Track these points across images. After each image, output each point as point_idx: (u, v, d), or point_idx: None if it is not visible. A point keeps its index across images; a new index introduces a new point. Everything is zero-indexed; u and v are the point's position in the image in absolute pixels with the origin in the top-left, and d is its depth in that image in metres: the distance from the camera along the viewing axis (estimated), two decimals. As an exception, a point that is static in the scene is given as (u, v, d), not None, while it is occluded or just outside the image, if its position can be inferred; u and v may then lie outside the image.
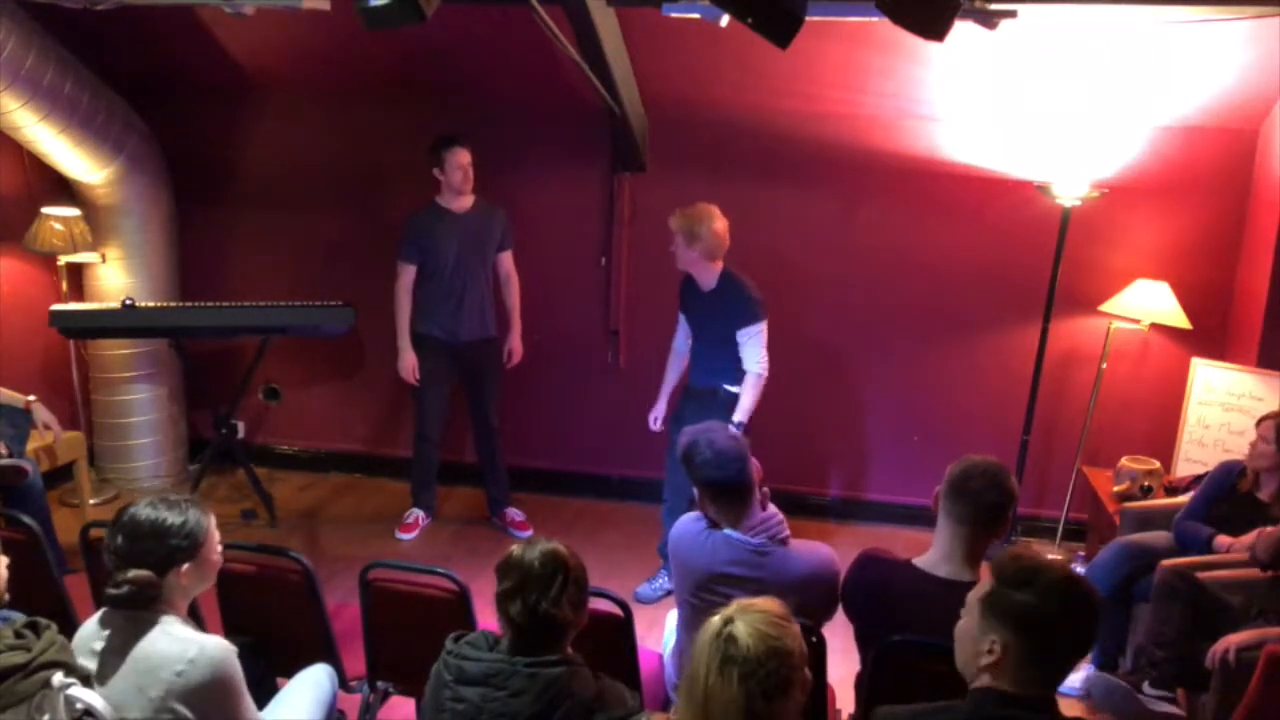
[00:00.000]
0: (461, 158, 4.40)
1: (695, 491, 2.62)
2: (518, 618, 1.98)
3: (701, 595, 2.53)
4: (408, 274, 4.53)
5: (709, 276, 3.96)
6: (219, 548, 2.25)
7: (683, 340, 4.24)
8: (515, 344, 4.76)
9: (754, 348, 3.90)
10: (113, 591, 2.06)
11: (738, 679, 1.62)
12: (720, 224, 3.90)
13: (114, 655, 2.06)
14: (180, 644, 2.05)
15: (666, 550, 4.13)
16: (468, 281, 4.53)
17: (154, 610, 2.09)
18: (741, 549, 2.51)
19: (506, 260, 4.69)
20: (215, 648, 2.06)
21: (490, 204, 4.61)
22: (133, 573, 2.06)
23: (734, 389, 3.93)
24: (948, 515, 2.31)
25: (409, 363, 4.57)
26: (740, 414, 3.89)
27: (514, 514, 4.86)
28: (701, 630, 1.70)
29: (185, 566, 2.13)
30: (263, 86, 5.08)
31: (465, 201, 4.52)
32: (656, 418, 4.30)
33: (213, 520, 2.22)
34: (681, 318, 4.20)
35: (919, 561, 2.38)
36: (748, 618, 1.67)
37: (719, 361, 3.98)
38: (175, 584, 2.12)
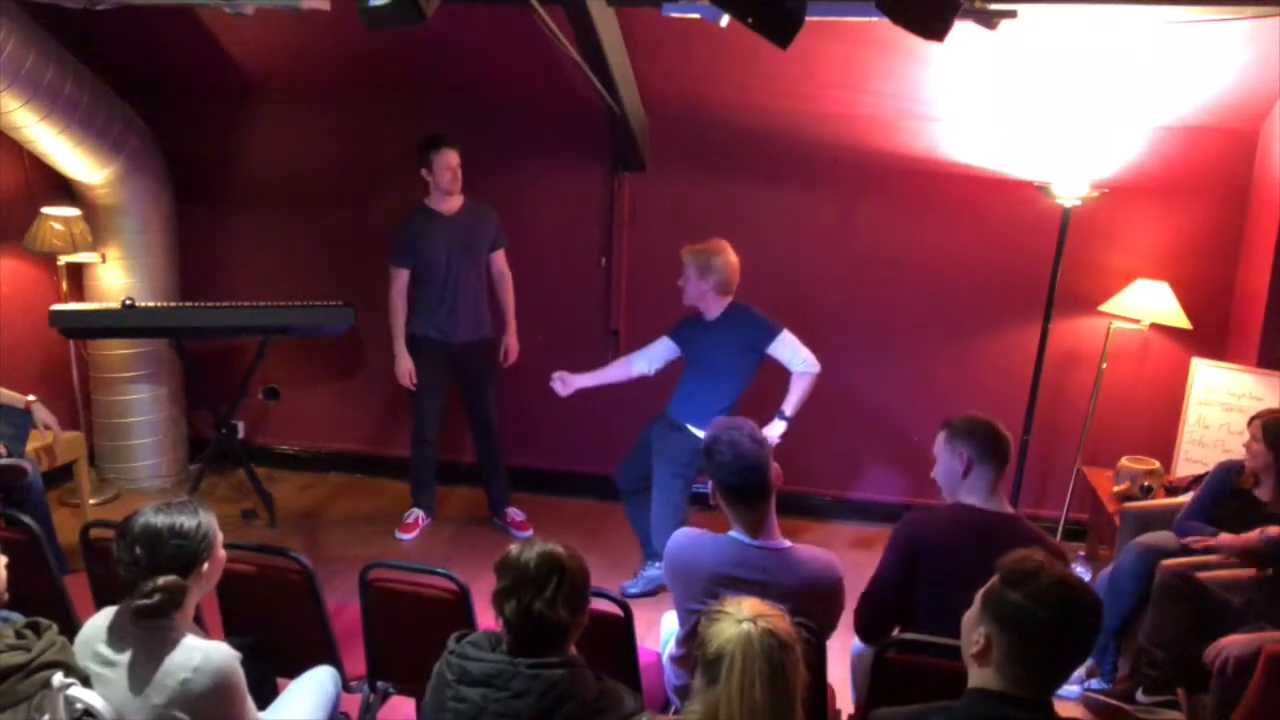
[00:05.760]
0: (450, 159, 4.36)
1: (710, 484, 2.62)
2: (512, 617, 1.98)
3: (706, 600, 2.51)
4: (401, 278, 4.51)
5: (716, 309, 3.96)
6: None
7: (639, 364, 4.16)
8: (511, 343, 4.75)
9: (793, 350, 3.91)
10: (143, 603, 2.03)
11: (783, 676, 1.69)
12: (734, 258, 3.91)
13: (122, 665, 2.05)
14: (185, 651, 2.04)
15: (649, 548, 4.17)
16: (460, 283, 4.51)
17: (170, 621, 2.07)
18: (746, 550, 2.50)
19: (499, 259, 4.67)
20: (219, 655, 2.06)
21: (480, 203, 4.58)
22: (162, 580, 2.04)
23: (699, 433, 3.80)
24: (985, 463, 2.62)
25: (405, 367, 4.55)
26: (789, 408, 3.96)
27: (514, 514, 4.86)
28: (722, 641, 1.70)
29: (205, 567, 2.14)
30: (263, 86, 5.08)
31: (454, 203, 4.49)
32: (563, 379, 4.19)
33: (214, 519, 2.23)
34: (658, 347, 4.14)
35: (965, 500, 2.65)
36: (763, 618, 1.72)
37: (700, 396, 3.95)
38: (193, 586, 2.13)
